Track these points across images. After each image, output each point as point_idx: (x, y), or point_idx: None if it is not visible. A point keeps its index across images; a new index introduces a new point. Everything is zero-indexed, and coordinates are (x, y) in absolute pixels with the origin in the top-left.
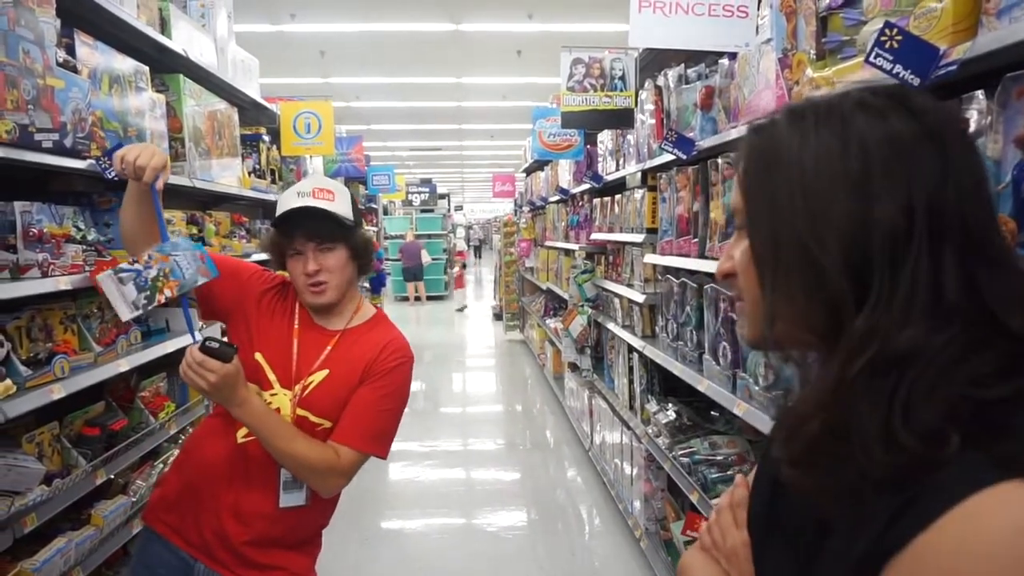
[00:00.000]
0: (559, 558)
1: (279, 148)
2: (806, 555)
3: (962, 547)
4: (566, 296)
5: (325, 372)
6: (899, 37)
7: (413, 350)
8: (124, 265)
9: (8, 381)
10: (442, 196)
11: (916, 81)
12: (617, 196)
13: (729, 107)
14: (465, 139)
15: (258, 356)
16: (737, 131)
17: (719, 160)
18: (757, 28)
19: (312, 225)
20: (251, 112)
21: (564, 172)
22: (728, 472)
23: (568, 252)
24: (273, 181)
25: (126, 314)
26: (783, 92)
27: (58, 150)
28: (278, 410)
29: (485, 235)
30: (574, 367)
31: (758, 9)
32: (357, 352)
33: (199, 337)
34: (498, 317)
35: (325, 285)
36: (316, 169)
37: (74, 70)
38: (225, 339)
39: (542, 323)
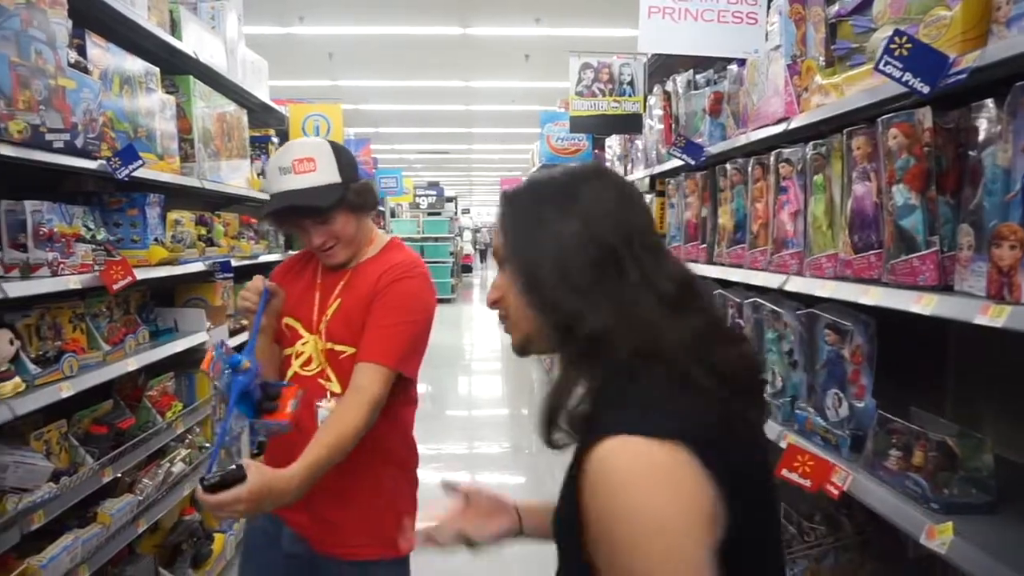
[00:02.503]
0: None
1: None
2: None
3: (602, 463)
4: None
5: (338, 302)
6: (909, 45)
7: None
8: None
9: (17, 379)
10: (449, 199)
11: (925, 89)
12: None
13: (738, 113)
14: (473, 143)
15: (286, 320)
16: (746, 137)
17: (728, 166)
18: (766, 34)
19: (301, 211)
20: (260, 114)
21: None
22: None
23: None
24: None
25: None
26: (792, 98)
27: (69, 150)
28: (310, 359)
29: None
30: None
31: (767, 15)
32: (365, 277)
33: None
34: None
35: (335, 249)
36: None
37: (85, 71)
38: (228, 468)
39: None
